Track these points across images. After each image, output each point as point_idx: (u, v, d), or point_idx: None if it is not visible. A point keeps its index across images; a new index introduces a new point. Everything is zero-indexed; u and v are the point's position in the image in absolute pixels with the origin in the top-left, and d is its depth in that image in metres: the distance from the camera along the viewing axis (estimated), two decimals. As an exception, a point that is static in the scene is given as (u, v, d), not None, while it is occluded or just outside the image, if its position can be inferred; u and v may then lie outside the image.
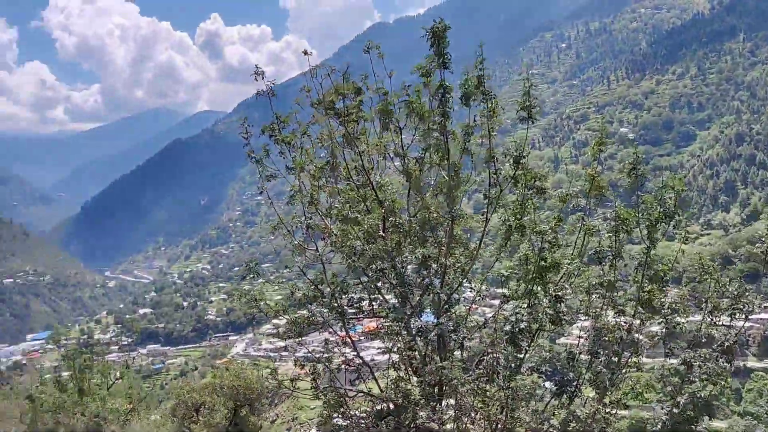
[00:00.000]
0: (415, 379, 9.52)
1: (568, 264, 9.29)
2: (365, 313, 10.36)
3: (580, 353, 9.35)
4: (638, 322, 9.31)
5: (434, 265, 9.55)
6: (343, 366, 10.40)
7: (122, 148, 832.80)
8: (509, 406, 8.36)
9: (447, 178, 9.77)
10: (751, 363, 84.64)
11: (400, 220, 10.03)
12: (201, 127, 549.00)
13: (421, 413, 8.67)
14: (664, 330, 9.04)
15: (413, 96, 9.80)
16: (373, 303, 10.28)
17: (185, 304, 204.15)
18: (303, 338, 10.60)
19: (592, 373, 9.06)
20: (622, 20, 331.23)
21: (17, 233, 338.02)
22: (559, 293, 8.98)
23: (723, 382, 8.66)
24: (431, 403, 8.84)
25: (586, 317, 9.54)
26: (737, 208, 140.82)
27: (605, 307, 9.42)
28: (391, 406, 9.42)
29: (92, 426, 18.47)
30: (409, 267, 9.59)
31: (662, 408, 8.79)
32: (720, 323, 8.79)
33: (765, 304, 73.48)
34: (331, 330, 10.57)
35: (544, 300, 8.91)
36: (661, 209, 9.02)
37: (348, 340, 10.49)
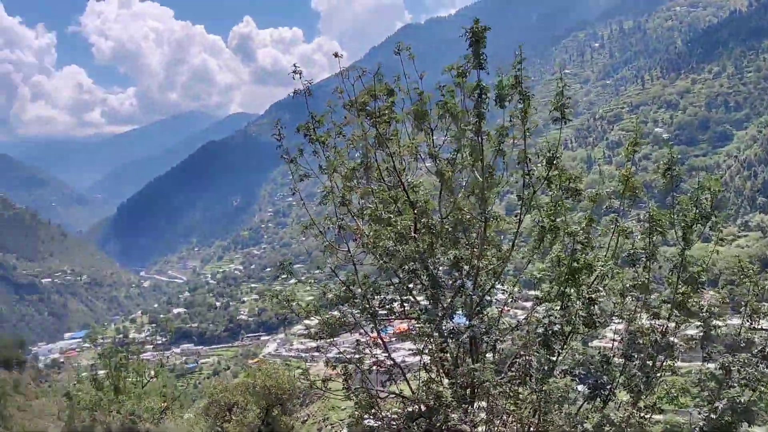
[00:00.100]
0: (447, 381, 9.49)
1: (602, 266, 9.18)
2: (396, 314, 10.35)
3: (613, 356, 9.22)
4: (673, 325, 9.17)
5: (466, 267, 9.51)
6: (374, 367, 10.41)
7: (157, 150, 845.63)
8: (542, 409, 8.29)
9: (479, 179, 9.71)
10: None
11: (432, 222, 10.02)
12: (233, 129, 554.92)
13: (453, 415, 8.64)
14: (701, 333, 8.88)
15: (447, 96, 9.76)
16: (405, 304, 10.27)
17: (218, 304, 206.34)
18: (334, 339, 10.64)
19: (626, 376, 8.94)
20: (656, 19, 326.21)
21: (55, 234, 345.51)
22: (593, 296, 8.88)
23: (763, 388, 8.48)
24: (463, 406, 8.80)
25: (620, 320, 9.42)
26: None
27: (639, 309, 9.29)
28: (423, 407, 9.40)
29: (128, 424, 18.77)
30: (440, 268, 9.57)
31: (699, 413, 8.63)
32: (760, 327, 8.61)
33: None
34: (362, 331, 10.59)
35: (577, 302, 8.81)
36: (697, 210, 8.86)
37: (379, 341, 10.50)
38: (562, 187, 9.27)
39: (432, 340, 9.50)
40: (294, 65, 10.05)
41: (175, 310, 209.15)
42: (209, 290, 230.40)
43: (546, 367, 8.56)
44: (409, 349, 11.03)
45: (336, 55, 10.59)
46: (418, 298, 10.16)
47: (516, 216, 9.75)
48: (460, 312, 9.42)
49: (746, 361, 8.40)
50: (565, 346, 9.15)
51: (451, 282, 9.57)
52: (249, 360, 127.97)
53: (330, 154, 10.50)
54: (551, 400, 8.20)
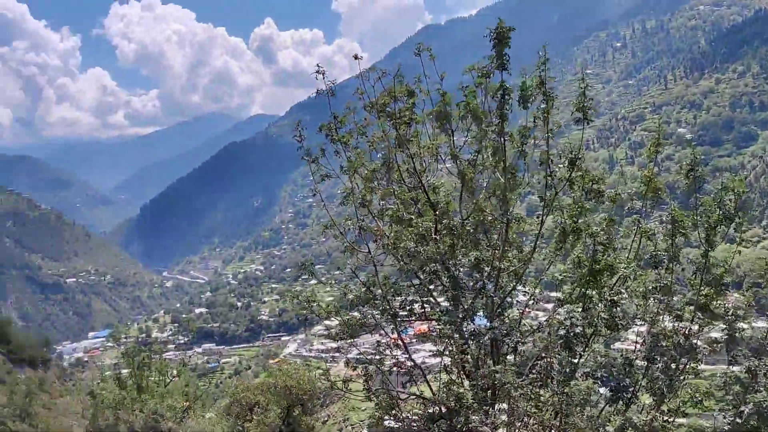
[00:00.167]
0: (468, 382, 9.46)
1: (625, 268, 9.10)
2: (417, 315, 10.34)
3: (636, 359, 9.14)
4: (696, 327, 9.06)
5: (487, 269, 9.49)
6: (394, 368, 10.42)
7: (179, 152, 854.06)
8: (563, 412, 8.23)
9: (501, 180, 9.68)
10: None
11: (453, 223, 10.00)
12: (255, 130, 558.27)
13: (474, 417, 8.62)
14: (725, 336, 8.77)
15: (469, 97, 9.74)
16: (425, 306, 10.26)
17: (239, 304, 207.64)
18: (354, 340, 10.65)
19: (649, 379, 8.86)
20: (680, 18, 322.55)
21: (80, 234, 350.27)
22: (615, 297, 8.81)
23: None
24: (484, 408, 8.77)
25: (643, 322, 9.33)
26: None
27: (662, 311, 9.20)
28: (443, 409, 9.38)
29: (150, 423, 18.96)
30: (461, 270, 9.54)
31: (724, 417, 8.53)
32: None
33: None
34: (382, 332, 10.60)
35: (600, 304, 8.75)
36: (721, 212, 8.75)
37: (399, 342, 10.50)
38: (584, 189, 9.21)
39: (453, 341, 9.48)
40: (317, 65, 10.09)
41: (197, 310, 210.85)
42: (230, 290, 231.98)
43: (567, 370, 8.51)
44: (430, 351, 11.02)
45: (356, 57, 10.61)
46: (439, 300, 10.14)
47: (537, 217, 9.70)
48: (480, 314, 9.40)
49: (772, 364, 8.28)
50: (587, 349, 9.09)
51: (472, 283, 9.54)
52: (270, 360, 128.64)
53: (351, 154, 10.52)
54: (573, 402, 8.15)
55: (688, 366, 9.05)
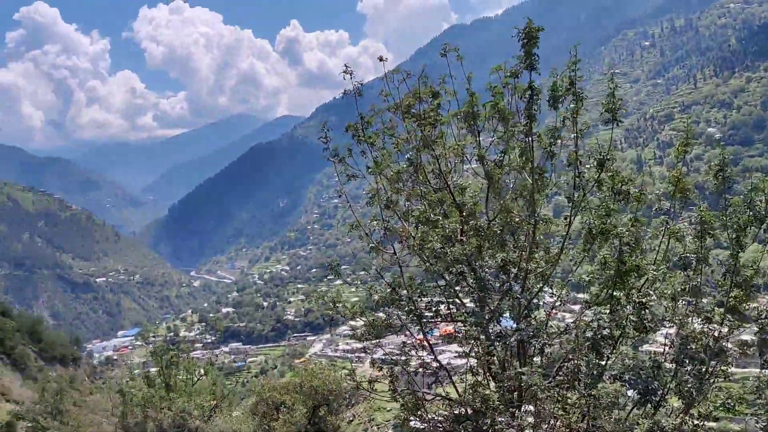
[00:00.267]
0: (494, 384, 9.43)
1: (654, 270, 8.99)
2: (443, 317, 10.32)
3: (664, 361, 9.03)
4: (726, 329, 8.92)
5: (514, 270, 9.44)
6: (420, 369, 10.41)
7: (206, 153, 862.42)
8: (590, 415, 8.16)
9: (528, 181, 9.62)
10: None
11: (479, 224, 9.95)
12: (280, 131, 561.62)
13: (500, 419, 8.58)
14: (758, 339, 8.62)
15: (497, 98, 9.69)
16: (451, 307, 10.24)
17: (265, 304, 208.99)
18: (380, 340, 10.67)
19: (678, 382, 8.74)
20: (709, 16, 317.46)
21: (110, 235, 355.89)
22: (643, 299, 8.70)
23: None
24: (510, 409, 8.73)
25: (671, 324, 9.21)
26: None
27: (691, 314, 9.08)
28: (469, 410, 9.36)
29: (178, 420, 19.17)
30: (487, 271, 9.50)
31: (757, 422, 8.39)
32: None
33: None
34: (408, 333, 10.59)
35: (628, 307, 8.66)
36: (751, 213, 8.61)
37: (425, 343, 10.49)
38: (614, 190, 9.11)
39: (479, 343, 9.45)
40: (345, 66, 10.13)
41: (224, 310, 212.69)
42: (257, 290, 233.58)
43: (595, 372, 8.43)
44: (456, 352, 10.99)
45: (381, 59, 10.62)
46: (465, 301, 10.11)
47: (565, 218, 9.62)
48: (507, 315, 9.35)
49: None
50: (615, 351, 9.00)
51: (498, 285, 9.50)
52: (295, 360, 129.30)
53: (378, 155, 10.53)
54: (600, 405, 8.07)
55: (717, 369, 8.92)
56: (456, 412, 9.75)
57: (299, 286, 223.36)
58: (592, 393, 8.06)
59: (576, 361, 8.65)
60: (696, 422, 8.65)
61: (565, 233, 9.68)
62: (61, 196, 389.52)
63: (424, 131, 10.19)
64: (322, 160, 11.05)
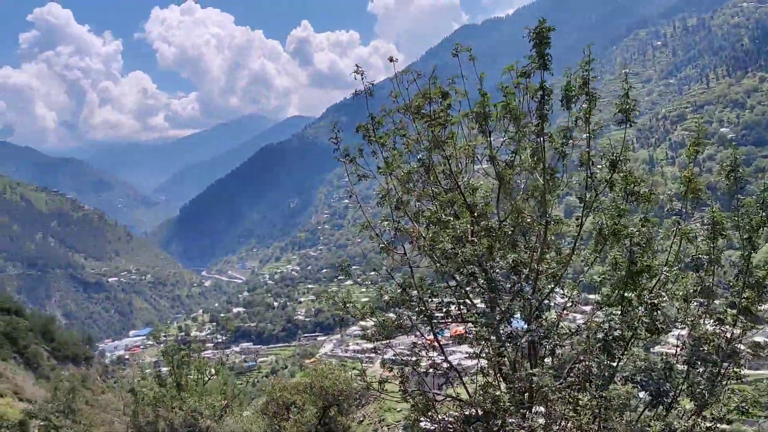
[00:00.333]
0: (504, 385, 9.40)
1: (667, 271, 8.93)
2: (453, 317, 10.30)
3: (676, 363, 8.97)
4: (738, 331, 8.86)
5: (525, 271, 9.41)
6: (430, 370, 10.39)
7: (217, 153, 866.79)
8: (602, 416, 8.13)
9: (540, 181, 9.59)
10: None
11: (490, 224, 9.93)
12: (291, 132, 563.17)
13: (511, 420, 8.56)
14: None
15: (508, 98, 9.66)
16: (462, 307, 10.22)
17: (276, 304, 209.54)
18: (390, 341, 10.66)
19: (689, 383, 8.69)
20: (722, 15, 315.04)
21: (121, 234, 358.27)
22: (655, 301, 8.65)
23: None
24: (521, 411, 8.70)
25: (683, 326, 9.16)
26: None
27: (703, 315, 9.02)
28: (480, 411, 9.34)
29: (189, 420, 19.24)
30: (498, 271, 9.48)
31: (770, 424, 8.33)
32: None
33: None
34: (418, 333, 10.58)
35: (640, 308, 8.61)
36: (764, 213, 8.55)
37: (435, 343, 10.48)
38: (626, 191, 9.05)
39: (489, 343, 9.43)
40: (356, 65, 10.12)
41: (235, 310, 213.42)
42: (267, 290, 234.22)
43: (606, 373, 8.40)
44: (466, 353, 10.97)
45: (391, 59, 10.61)
46: (476, 302, 10.09)
47: (576, 219, 9.58)
48: (518, 316, 9.32)
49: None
50: (626, 352, 8.95)
51: (509, 286, 9.47)
52: (306, 360, 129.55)
53: (388, 155, 10.53)
54: (612, 407, 8.03)
55: (730, 371, 8.85)
56: (466, 413, 9.73)
57: (310, 286, 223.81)
58: (604, 394, 8.02)
59: (587, 363, 8.61)
60: (709, 425, 8.60)
61: (576, 234, 9.63)
62: (74, 197, 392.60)
63: (435, 132, 10.18)
64: (332, 161, 11.06)
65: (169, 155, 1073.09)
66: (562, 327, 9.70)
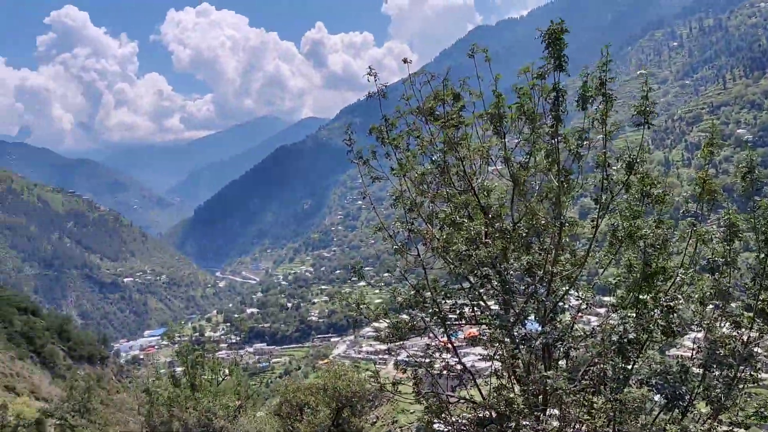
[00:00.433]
0: (518, 387, 9.37)
1: (683, 273, 8.86)
2: (467, 319, 10.28)
3: (691, 366, 8.89)
4: (755, 334, 8.77)
5: (539, 273, 9.37)
6: (444, 371, 10.38)
7: (232, 155, 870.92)
8: (616, 419, 8.08)
9: (554, 182, 9.54)
10: None
11: (505, 226, 9.90)
12: (305, 133, 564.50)
13: (524, 423, 8.53)
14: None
15: (523, 99, 9.63)
16: (476, 309, 10.20)
17: (289, 305, 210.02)
18: (404, 342, 10.66)
19: (705, 387, 8.61)
20: (739, 16, 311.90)
21: (137, 235, 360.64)
22: (671, 303, 8.59)
23: None
24: (534, 413, 8.67)
25: (699, 328, 9.08)
26: None
27: (719, 318, 8.93)
28: (493, 414, 9.31)
29: (203, 420, 19.33)
30: (512, 273, 9.44)
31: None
32: None
33: None
34: (431, 335, 10.57)
35: (656, 310, 8.54)
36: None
37: (449, 345, 10.46)
38: (642, 192, 8.98)
39: (503, 345, 9.40)
40: (369, 67, 10.14)
41: (249, 310, 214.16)
42: (281, 291, 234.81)
43: (621, 376, 8.35)
44: (480, 354, 10.95)
45: (405, 60, 10.62)
46: (489, 304, 10.07)
47: (592, 221, 9.53)
48: (532, 318, 9.29)
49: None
50: (641, 355, 8.89)
51: (523, 288, 9.44)
52: (319, 361, 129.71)
53: (402, 157, 10.53)
54: (626, 410, 7.98)
55: (746, 374, 8.76)
56: (480, 415, 9.71)
57: (323, 287, 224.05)
58: (618, 397, 7.97)
59: (602, 365, 8.56)
60: (726, 429, 8.52)
61: (592, 236, 9.58)
62: (90, 197, 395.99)
63: (448, 133, 10.17)
64: (346, 162, 11.08)
65: (184, 156, 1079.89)
66: (576, 329, 9.65)
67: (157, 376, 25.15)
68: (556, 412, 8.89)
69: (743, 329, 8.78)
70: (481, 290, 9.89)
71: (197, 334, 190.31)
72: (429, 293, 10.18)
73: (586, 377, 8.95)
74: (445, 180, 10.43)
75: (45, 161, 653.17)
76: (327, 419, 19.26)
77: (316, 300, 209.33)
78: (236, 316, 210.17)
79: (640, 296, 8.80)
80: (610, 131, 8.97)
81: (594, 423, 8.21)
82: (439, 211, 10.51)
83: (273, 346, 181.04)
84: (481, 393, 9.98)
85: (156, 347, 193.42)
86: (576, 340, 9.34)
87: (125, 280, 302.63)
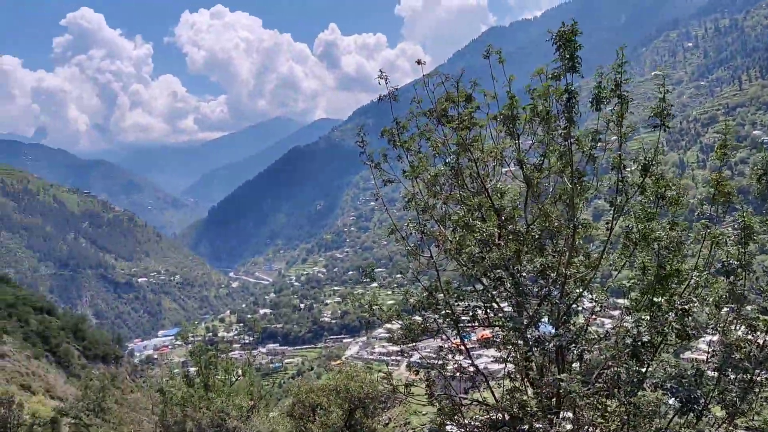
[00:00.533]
0: (531, 390, 9.34)
1: (697, 276, 8.79)
2: (480, 321, 10.26)
3: (707, 369, 8.82)
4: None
5: (553, 275, 9.34)
6: (457, 373, 10.37)
7: (246, 156, 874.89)
8: (631, 423, 8.03)
9: (568, 184, 9.50)
10: None
11: (518, 228, 9.87)
12: (318, 134, 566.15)
13: (537, 425, 8.50)
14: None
15: (536, 101, 9.60)
16: (489, 311, 10.18)
17: (302, 305, 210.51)
18: (416, 344, 10.66)
19: (720, 391, 8.54)
20: (755, 16, 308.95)
21: (151, 235, 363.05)
22: (686, 306, 8.52)
23: None
24: (548, 416, 8.64)
25: (714, 332, 9.00)
26: None
27: (735, 321, 8.85)
28: (506, 416, 9.29)
29: (217, 420, 19.41)
30: (525, 275, 9.42)
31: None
32: None
33: None
34: (444, 336, 10.56)
35: (670, 313, 8.48)
36: (797, 217, 8.38)
37: (462, 347, 10.45)
38: (657, 195, 8.93)
39: (516, 348, 9.37)
40: (380, 70, 10.16)
41: (262, 311, 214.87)
42: (293, 292, 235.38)
43: (635, 379, 8.30)
44: (492, 357, 10.93)
45: (419, 62, 10.63)
46: (503, 306, 10.04)
47: (606, 223, 9.48)
48: (545, 320, 9.26)
49: None
50: (655, 358, 8.83)
51: (536, 290, 9.41)
52: (332, 362, 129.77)
53: (414, 159, 10.54)
54: (641, 413, 7.93)
55: (762, 378, 8.69)
56: (493, 417, 9.69)
57: (336, 288, 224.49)
58: (633, 401, 7.93)
59: (616, 368, 8.52)
60: (741, 433, 8.45)
61: (606, 238, 9.53)
62: (105, 198, 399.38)
63: (461, 134, 10.16)
64: (358, 163, 11.10)
65: (198, 157, 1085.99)
66: (590, 332, 9.61)
67: (171, 376, 25.28)
68: (570, 415, 8.86)
69: (759, 332, 8.70)
70: (494, 292, 9.87)
71: (210, 334, 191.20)
72: (442, 295, 10.17)
73: (600, 380, 8.91)
74: (459, 182, 10.42)
75: (61, 162, 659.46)
76: (339, 420, 19.28)
77: (328, 301, 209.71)
78: (249, 316, 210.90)
79: (655, 299, 8.75)
80: (625, 133, 8.92)
81: (608, 426, 8.18)
82: (452, 213, 10.50)
83: (286, 347, 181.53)
84: (494, 395, 9.96)
85: (170, 347, 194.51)
86: (590, 342, 9.29)
87: (139, 280, 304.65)
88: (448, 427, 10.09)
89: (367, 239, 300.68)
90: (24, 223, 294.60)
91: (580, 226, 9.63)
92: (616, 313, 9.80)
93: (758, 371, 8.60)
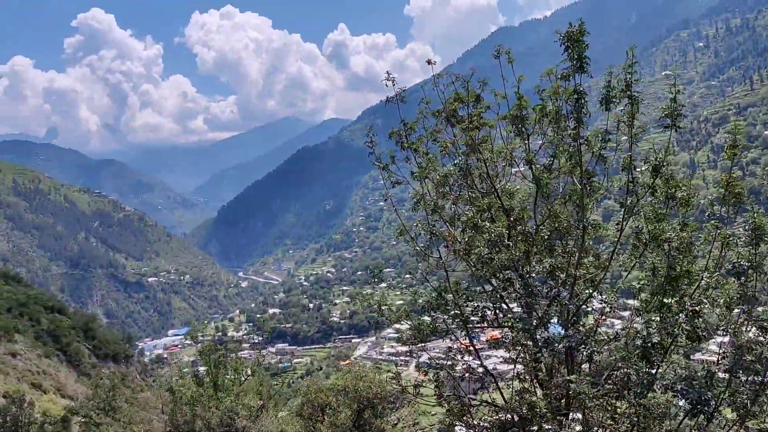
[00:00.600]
0: (541, 391, 9.32)
1: (708, 277, 8.74)
2: (489, 322, 10.25)
3: (717, 371, 8.77)
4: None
5: (562, 276, 9.31)
6: (466, 374, 10.36)
7: (255, 156, 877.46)
8: (640, 424, 8.00)
9: (578, 185, 9.46)
10: None
11: (527, 229, 9.85)
12: (327, 134, 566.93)
13: (547, 426, 8.48)
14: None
15: (545, 101, 9.57)
16: (498, 312, 10.16)
17: (311, 305, 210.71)
18: (425, 344, 10.65)
19: (731, 393, 8.48)
20: (767, 15, 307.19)
21: (161, 235, 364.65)
22: (696, 307, 8.48)
23: None
24: (557, 417, 8.62)
25: (724, 333, 8.95)
26: None
27: (746, 322, 8.80)
28: (515, 417, 9.27)
29: (226, 420, 19.45)
30: (535, 276, 9.40)
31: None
32: None
33: None
34: (453, 337, 10.55)
35: (681, 315, 8.44)
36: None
37: (471, 348, 10.43)
38: (668, 196, 8.88)
39: (526, 349, 9.35)
40: (387, 72, 10.16)
41: (271, 311, 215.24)
42: (303, 292, 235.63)
43: (645, 381, 8.26)
44: (502, 357, 10.91)
45: (429, 62, 10.62)
46: (512, 307, 10.02)
47: (616, 224, 9.44)
48: (555, 321, 9.23)
49: None
50: (665, 359, 8.79)
51: (546, 291, 9.39)
52: (341, 361, 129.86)
53: (422, 160, 10.53)
54: (651, 415, 7.90)
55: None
56: (502, 418, 9.67)
57: (344, 288, 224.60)
58: (642, 402, 7.89)
59: (625, 370, 8.48)
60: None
61: (616, 240, 9.49)
62: (115, 198, 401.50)
63: (470, 135, 10.15)
64: (367, 163, 11.12)
65: (207, 157, 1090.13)
66: (600, 333, 9.57)
67: (181, 375, 25.36)
68: (579, 416, 8.83)
69: (770, 334, 8.64)
70: (504, 293, 9.86)
71: (220, 333, 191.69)
72: (451, 295, 10.16)
73: (610, 381, 8.88)
74: (468, 182, 10.40)
75: (72, 162, 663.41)
76: (348, 420, 19.29)
77: (337, 301, 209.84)
78: (258, 316, 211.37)
79: (665, 300, 8.71)
80: (636, 134, 8.87)
81: (617, 428, 8.15)
82: (461, 213, 10.49)
83: (295, 347, 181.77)
84: (503, 396, 9.94)
85: (179, 346, 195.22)
86: (599, 343, 9.26)
87: (150, 279, 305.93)
88: (457, 428, 10.08)
89: (376, 239, 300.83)
90: (35, 223, 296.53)
91: (590, 227, 9.60)
92: (626, 314, 9.76)
93: (769, 373, 8.54)
